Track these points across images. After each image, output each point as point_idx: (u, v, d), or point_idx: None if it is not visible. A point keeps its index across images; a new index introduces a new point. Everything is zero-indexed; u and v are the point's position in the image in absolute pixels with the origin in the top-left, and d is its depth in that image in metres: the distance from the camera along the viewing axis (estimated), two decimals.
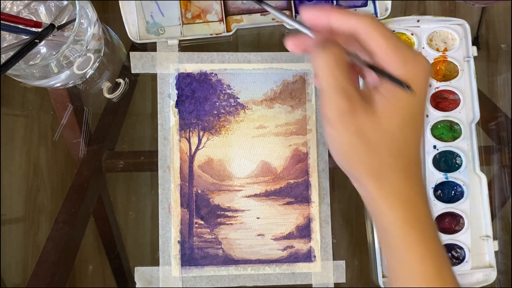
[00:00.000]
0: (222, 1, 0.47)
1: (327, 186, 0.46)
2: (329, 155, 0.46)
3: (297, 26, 0.35)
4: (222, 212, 0.45)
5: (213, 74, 0.46)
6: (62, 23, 0.40)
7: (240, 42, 0.48)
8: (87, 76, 0.45)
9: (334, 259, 0.45)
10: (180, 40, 0.46)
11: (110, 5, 0.47)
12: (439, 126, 0.46)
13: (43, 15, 0.42)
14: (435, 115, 0.46)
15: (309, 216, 0.46)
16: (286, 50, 0.47)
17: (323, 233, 0.46)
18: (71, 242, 0.45)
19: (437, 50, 0.47)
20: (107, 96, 0.46)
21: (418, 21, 0.47)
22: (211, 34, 0.46)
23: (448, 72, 0.47)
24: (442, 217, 0.46)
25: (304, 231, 0.45)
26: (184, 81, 0.46)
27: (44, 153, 0.47)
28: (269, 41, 0.48)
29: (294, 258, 0.45)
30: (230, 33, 0.46)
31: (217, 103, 0.46)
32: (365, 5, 0.47)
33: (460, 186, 0.46)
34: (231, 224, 0.45)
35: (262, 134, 0.46)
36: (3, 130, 0.46)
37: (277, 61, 0.47)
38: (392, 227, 0.33)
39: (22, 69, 0.38)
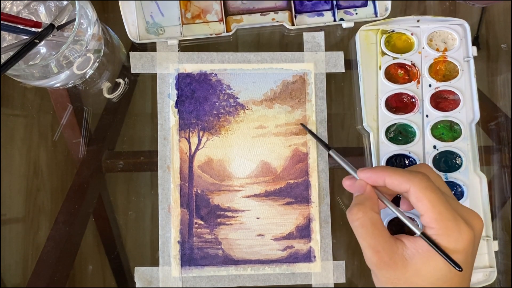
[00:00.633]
0: (222, 1, 0.47)
1: (327, 186, 0.46)
2: (329, 156, 0.46)
3: (348, 169, 0.40)
4: (222, 212, 0.45)
5: (213, 74, 0.46)
6: (62, 23, 0.40)
7: (240, 42, 0.48)
8: (87, 76, 0.45)
9: (334, 259, 0.45)
10: (180, 40, 0.46)
11: (110, 5, 0.47)
12: (439, 126, 0.46)
13: (43, 15, 0.42)
14: (435, 115, 0.46)
15: (309, 216, 0.46)
16: (286, 50, 0.47)
17: (323, 233, 0.46)
18: (71, 242, 0.46)
19: (437, 50, 0.47)
20: (107, 96, 0.46)
21: (418, 21, 0.47)
22: (211, 34, 0.46)
23: (448, 72, 0.47)
24: None
25: (304, 231, 0.45)
26: (184, 81, 0.46)
27: (44, 153, 0.47)
28: (269, 41, 0.48)
29: (294, 258, 0.45)
30: (230, 33, 0.46)
31: (217, 103, 0.46)
32: (365, 5, 0.48)
33: (460, 186, 0.46)
34: (231, 224, 0.45)
35: (262, 134, 0.46)
36: (3, 130, 0.46)
37: (277, 61, 0.47)
38: None
39: (22, 69, 0.38)
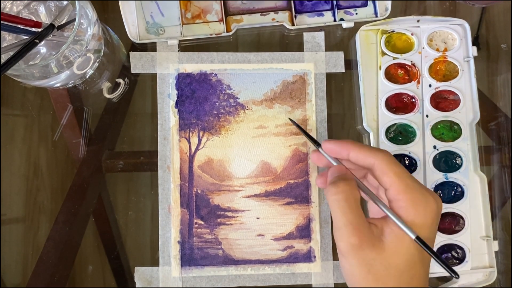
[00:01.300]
0: (222, 1, 0.47)
1: None
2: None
3: (325, 156, 0.39)
4: (222, 212, 0.45)
5: (213, 74, 0.46)
6: (62, 23, 0.40)
7: (240, 42, 0.48)
8: (87, 76, 0.45)
9: (334, 259, 0.45)
10: (180, 40, 0.46)
11: (110, 5, 0.47)
12: (439, 126, 0.46)
13: (43, 15, 0.42)
14: (435, 115, 0.46)
15: (309, 216, 0.46)
16: (286, 50, 0.47)
17: (323, 233, 0.46)
18: (71, 242, 0.46)
19: (437, 50, 0.47)
20: (107, 96, 0.46)
21: (418, 21, 0.47)
22: (211, 34, 0.46)
23: (448, 72, 0.47)
24: (442, 217, 0.46)
25: (304, 231, 0.45)
26: (184, 81, 0.46)
27: (44, 153, 0.47)
28: (269, 41, 0.48)
29: (294, 258, 0.45)
30: (230, 33, 0.46)
31: (217, 103, 0.46)
32: (365, 5, 0.48)
33: (460, 186, 0.46)
34: (231, 224, 0.45)
35: (262, 134, 0.46)
36: (3, 130, 0.46)
37: (277, 61, 0.47)
38: None
39: (22, 69, 0.38)
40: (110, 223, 0.47)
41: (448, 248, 0.46)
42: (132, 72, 0.46)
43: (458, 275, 0.34)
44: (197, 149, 0.45)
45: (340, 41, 0.48)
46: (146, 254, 0.46)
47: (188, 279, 0.45)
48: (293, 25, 0.47)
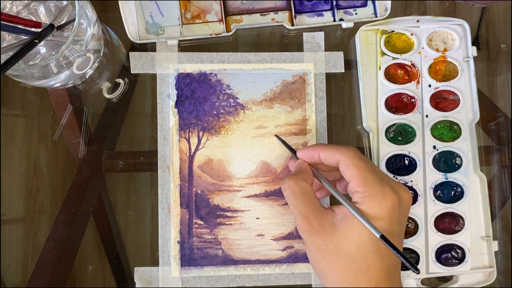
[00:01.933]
0: (221, 1, 0.47)
1: None
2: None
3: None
4: (221, 213, 0.45)
5: (212, 74, 0.46)
6: (61, 23, 0.40)
7: (240, 42, 0.48)
8: (87, 76, 0.45)
9: None
10: (179, 40, 0.46)
11: (109, 5, 0.47)
12: (438, 126, 0.46)
13: (43, 15, 0.42)
14: (434, 115, 0.46)
15: None
16: (286, 50, 0.47)
17: None
18: (71, 242, 0.46)
19: (437, 50, 0.47)
20: (107, 96, 0.46)
21: (418, 21, 0.47)
22: (211, 34, 0.46)
23: (448, 72, 0.47)
24: (441, 217, 0.46)
25: None
26: (184, 81, 0.46)
27: (44, 153, 0.47)
28: (269, 41, 0.48)
29: (294, 258, 0.45)
30: (230, 33, 0.46)
31: (217, 103, 0.46)
32: (365, 5, 0.47)
33: (460, 186, 0.46)
34: (231, 224, 0.45)
35: (262, 134, 0.46)
36: (3, 130, 0.46)
37: (277, 61, 0.47)
38: None
39: (21, 69, 0.38)
40: (110, 223, 0.47)
41: (448, 248, 0.46)
42: (131, 72, 0.46)
43: (419, 271, 0.35)
44: (196, 149, 0.45)
45: (340, 41, 0.48)
46: (146, 254, 0.46)
47: (188, 279, 0.45)
48: (292, 25, 0.47)
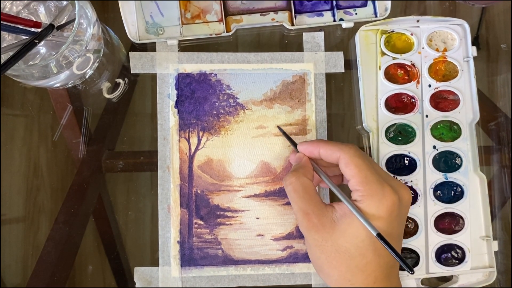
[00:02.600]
0: (221, 1, 0.47)
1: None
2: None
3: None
4: (221, 212, 0.45)
5: (212, 74, 0.46)
6: (61, 23, 0.40)
7: (240, 42, 0.48)
8: (87, 76, 0.45)
9: None
10: (179, 40, 0.46)
11: (109, 5, 0.47)
12: (438, 126, 0.46)
13: (43, 15, 0.42)
14: (434, 115, 0.46)
15: None
16: (286, 50, 0.47)
17: None
18: (71, 242, 0.46)
19: (437, 50, 0.47)
20: (107, 96, 0.46)
21: (418, 21, 0.47)
22: (211, 34, 0.46)
23: (447, 72, 0.47)
24: (441, 217, 0.46)
25: None
26: (184, 81, 0.46)
27: (44, 153, 0.47)
28: (269, 41, 0.48)
29: (294, 258, 0.45)
30: (230, 33, 0.46)
31: (217, 103, 0.46)
32: (365, 5, 0.47)
33: (459, 186, 0.46)
34: (231, 224, 0.45)
35: (262, 134, 0.46)
36: (3, 130, 0.46)
37: (277, 61, 0.47)
38: None
39: (21, 69, 0.38)
40: (110, 223, 0.47)
41: (447, 248, 0.46)
42: (131, 72, 0.46)
43: (413, 271, 0.35)
44: (196, 149, 0.45)
45: (340, 41, 0.48)
46: (146, 254, 0.46)
47: (188, 279, 0.45)
48: (292, 25, 0.47)
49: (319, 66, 0.47)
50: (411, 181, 0.46)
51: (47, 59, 0.38)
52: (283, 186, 0.46)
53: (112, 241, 0.46)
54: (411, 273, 0.35)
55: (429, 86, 0.46)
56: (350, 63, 0.48)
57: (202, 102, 0.46)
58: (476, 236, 0.46)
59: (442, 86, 0.46)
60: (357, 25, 0.47)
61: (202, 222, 0.45)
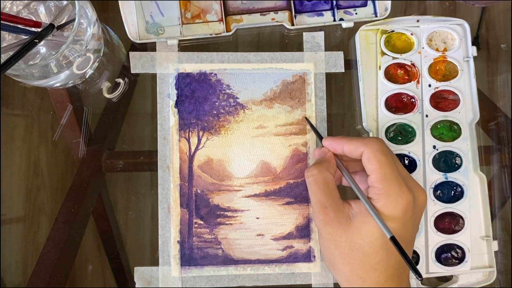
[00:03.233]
0: (221, 1, 0.47)
1: None
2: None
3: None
4: (221, 212, 0.45)
5: (212, 74, 0.46)
6: (61, 23, 0.40)
7: (240, 42, 0.48)
8: (87, 76, 0.45)
9: None
10: (179, 40, 0.46)
11: (109, 5, 0.47)
12: (438, 126, 0.46)
13: (43, 15, 0.42)
14: (434, 115, 0.46)
15: (308, 216, 0.46)
16: (286, 50, 0.47)
17: None
18: (71, 242, 0.46)
19: (437, 50, 0.47)
20: (107, 96, 0.46)
21: (418, 21, 0.47)
22: (211, 34, 0.46)
23: (447, 72, 0.47)
24: (441, 217, 0.46)
25: (303, 231, 0.45)
26: (184, 81, 0.46)
27: (44, 153, 0.47)
28: (269, 41, 0.48)
29: (294, 258, 0.45)
30: (230, 33, 0.46)
31: (217, 103, 0.46)
32: (365, 5, 0.48)
33: (459, 186, 0.46)
34: (231, 224, 0.45)
35: (262, 134, 0.46)
36: (3, 130, 0.46)
37: (277, 61, 0.47)
38: None
39: (21, 69, 0.38)
40: (110, 223, 0.47)
41: (447, 248, 0.46)
42: (131, 72, 0.46)
43: (422, 278, 0.36)
44: (196, 149, 0.45)
45: (340, 41, 0.48)
46: (146, 254, 0.46)
47: (188, 279, 0.45)
48: (292, 25, 0.47)
49: (319, 66, 0.47)
50: None
51: (47, 59, 0.38)
52: (283, 186, 0.46)
53: (112, 241, 0.46)
54: (420, 280, 0.35)
55: (429, 86, 0.46)
56: (350, 63, 0.48)
57: (202, 102, 0.46)
58: (476, 236, 0.46)
59: (442, 86, 0.46)
60: (357, 25, 0.47)
61: (202, 222, 0.45)
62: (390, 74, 0.47)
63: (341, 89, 0.48)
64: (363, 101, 0.46)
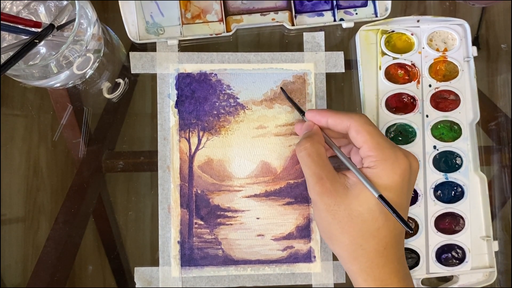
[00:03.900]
0: (222, 1, 0.47)
1: None
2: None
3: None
4: (222, 213, 0.45)
5: (213, 74, 0.46)
6: (61, 23, 0.40)
7: (240, 42, 0.48)
8: (87, 76, 0.45)
9: (334, 259, 0.45)
10: (180, 40, 0.46)
11: (110, 5, 0.47)
12: (439, 126, 0.46)
13: (43, 15, 0.42)
14: (435, 115, 0.46)
15: (309, 216, 0.46)
16: (286, 50, 0.47)
17: None
18: (71, 242, 0.46)
19: (437, 50, 0.47)
20: (107, 96, 0.46)
21: (418, 21, 0.47)
22: (211, 34, 0.46)
23: (448, 72, 0.47)
24: (442, 217, 0.46)
25: (304, 232, 0.45)
26: (184, 81, 0.46)
27: (44, 153, 0.47)
28: (269, 41, 0.48)
29: (294, 258, 0.45)
30: (230, 33, 0.46)
31: (217, 103, 0.46)
32: (365, 5, 0.47)
33: (460, 186, 0.46)
34: (231, 224, 0.45)
35: (262, 134, 0.46)
36: (3, 130, 0.46)
37: (277, 61, 0.47)
38: None
39: (21, 69, 0.38)
40: (110, 223, 0.47)
41: (448, 248, 0.46)
42: (132, 72, 0.46)
43: (412, 230, 0.39)
44: (197, 149, 0.45)
45: (340, 41, 0.48)
46: (146, 254, 0.46)
47: (188, 279, 0.45)
48: (293, 25, 0.47)
49: (319, 66, 0.47)
50: None
51: (47, 59, 0.38)
52: (283, 186, 0.46)
53: (112, 241, 0.46)
54: (411, 232, 0.36)
55: (430, 86, 0.46)
56: (350, 63, 0.48)
57: (203, 102, 0.46)
58: (477, 236, 0.46)
59: (443, 86, 0.46)
60: (358, 25, 0.47)
61: (202, 222, 0.45)
62: (391, 74, 0.47)
63: (341, 89, 0.48)
64: (363, 101, 0.46)
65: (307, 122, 0.42)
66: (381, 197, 0.36)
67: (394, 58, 0.47)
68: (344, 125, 0.39)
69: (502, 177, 0.48)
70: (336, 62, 0.47)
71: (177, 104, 0.46)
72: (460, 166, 0.46)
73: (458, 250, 0.46)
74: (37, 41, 0.37)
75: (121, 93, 0.46)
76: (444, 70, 0.47)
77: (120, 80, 0.46)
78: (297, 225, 0.45)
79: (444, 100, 0.47)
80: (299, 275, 0.45)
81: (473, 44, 0.47)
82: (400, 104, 0.47)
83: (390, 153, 0.37)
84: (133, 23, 0.46)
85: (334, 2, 0.47)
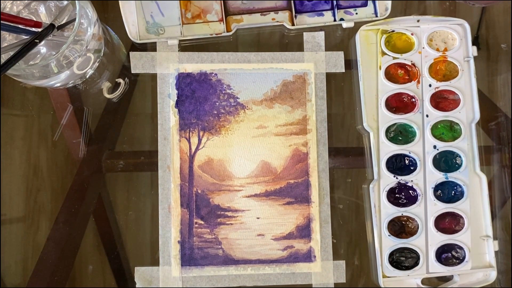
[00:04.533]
0: (222, 1, 0.47)
1: (327, 186, 0.46)
2: (329, 155, 0.46)
3: None
4: (222, 212, 0.45)
5: (213, 74, 0.46)
6: (62, 23, 0.40)
7: (240, 42, 0.48)
8: (87, 76, 0.45)
9: (334, 259, 0.45)
10: (180, 40, 0.46)
11: (110, 5, 0.47)
12: (439, 126, 0.46)
13: (43, 15, 0.42)
14: (435, 115, 0.46)
15: (309, 216, 0.46)
16: (286, 50, 0.47)
17: (323, 233, 0.46)
18: (71, 242, 0.45)
19: (437, 50, 0.47)
20: (107, 96, 0.46)
21: (418, 21, 0.47)
22: (211, 34, 0.46)
23: (448, 72, 0.47)
24: (442, 217, 0.46)
25: (304, 231, 0.45)
26: (184, 81, 0.46)
27: (44, 153, 0.47)
28: (269, 41, 0.48)
29: (294, 258, 0.45)
30: (230, 33, 0.46)
31: (217, 103, 0.46)
32: (365, 5, 0.48)
33: (460, 186, 0.46)
34: (231, 224, 0.45)
35: (262, 134, 0.46)
36: (3, 130, 0.46)
37: (277, 61, 0.47)
38: None
39: (22, 69, 0.38)
40: (110, 223, 0.47)
41: (448, 248, 0.46)
42: (132, 72, 0.46)
43: None
44: (197, 149, 0.45)
45: (340, 41, 0.48)
46: (146, 254, 0.46)
47: (188, 279, 0.45)
48: (293, 25, 0.47)
49: (319, 66, 0.47)
50: (412, 180, 0.46)
51: (47, 59, 0.38)
52: (283, 186, 0.46)
53: (112, 241, 0.46)
54: None
55: (430, 86, 0.46)
56: (350, 63, 0.48)
57: (203, 102, 0.46)
58: (477, 235, 0.46)
59: (443, 86, 0.46)
60: (358, 25, 0.47)
61: (202, 222, 0.45)
62: (391, 74, 0.47)
63: (341, 89, 0.48)
64: (363, 101, 0.46)
65: None
66: None
67: (394, 58, 0.47)
68: None
69: (502, 177, 0.48)
70: (336, 62, 0.47)
71: (177, 104, 0.46)
72: (460, 166, 0.46)
73: (458, 250, 0.46)
74: (38, 41, 0.37)
75: (121, 93, 0.46)
76: (444, 70, 0.47)
77: (120, 80, 0.46)
78: (297, 225, 0.45)
79: (444, 100, 0.47)
80: (299, 275, 0.45)
81: (473, 44, 0.47)
82: (400, 104, 0.47)
83: None
84: (133, 23, 0.46)
85: (334, 2, 0.47)
